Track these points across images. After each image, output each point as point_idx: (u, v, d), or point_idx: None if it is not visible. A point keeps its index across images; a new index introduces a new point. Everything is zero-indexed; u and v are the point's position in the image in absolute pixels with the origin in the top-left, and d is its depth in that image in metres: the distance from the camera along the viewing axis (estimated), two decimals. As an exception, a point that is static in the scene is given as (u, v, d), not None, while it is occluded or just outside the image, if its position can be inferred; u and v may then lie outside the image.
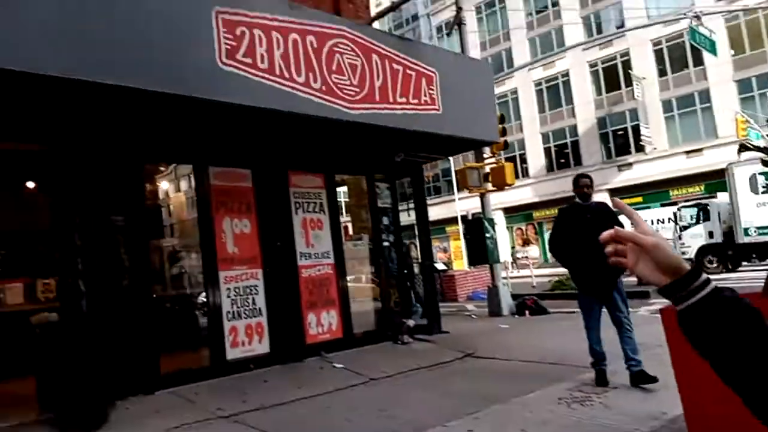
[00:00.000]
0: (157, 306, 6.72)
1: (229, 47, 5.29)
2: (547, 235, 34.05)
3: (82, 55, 4.44)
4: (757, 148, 3.99)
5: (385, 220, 8.92)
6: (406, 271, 9.39)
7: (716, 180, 25.13)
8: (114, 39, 4.62)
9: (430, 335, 8.58)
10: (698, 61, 27.48)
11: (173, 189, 8.39)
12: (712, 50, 18.51)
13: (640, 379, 4.87)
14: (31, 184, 7.38)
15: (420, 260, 9.84)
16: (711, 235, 18.23)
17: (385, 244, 8.82)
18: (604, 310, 5.23)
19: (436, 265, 21.30)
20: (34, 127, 5.43)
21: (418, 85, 7.56)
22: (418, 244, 9.94)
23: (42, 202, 6.17)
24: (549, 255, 32.95)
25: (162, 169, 7.88)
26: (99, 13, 4.57)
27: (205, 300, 6.79)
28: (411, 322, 8.37)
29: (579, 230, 5.09)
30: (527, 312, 11.13)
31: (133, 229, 6.02)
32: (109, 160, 5.91)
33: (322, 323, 7.70)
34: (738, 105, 26.12)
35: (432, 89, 7.75)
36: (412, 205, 9.76)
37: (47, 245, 6.43)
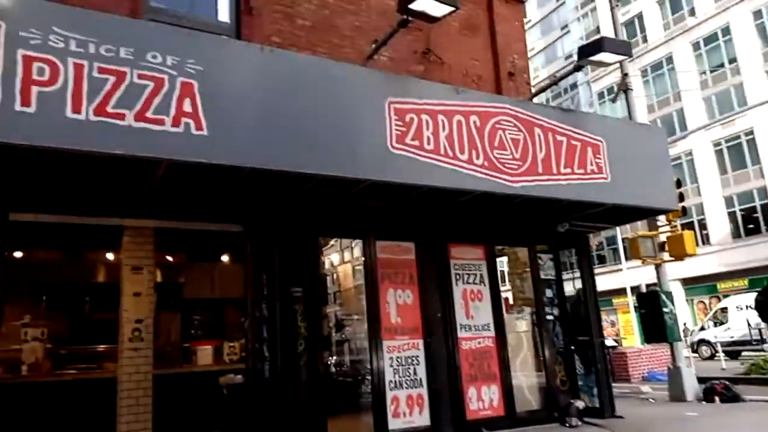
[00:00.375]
0: (326, 371, 7.09)
1: (399, 132, 5.71)
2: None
3: (284, 149, 5.13)
4: None
5: (549, 292, 8.59)
6: (573, 347, 8.86)
7: None
8: (307, 133, 5.27)
9: (602, 419, 7.92)
10: None
11: (339, 260, 8.96)
12: None
13: None
14: (225, 258, 8.41)
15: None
16: None
17: (549, 317, 8.47)
18: None
19: (605, 341, 19.88)
20: (236, 210, 6.30)
21: (584, 154, 7.38)
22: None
23: (234, 275, 6.98)
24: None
25: (332, 243, 8.49)
26: (296, 112, 5.27)
27: (369, 367, 7.01)
28: (580, 404, 7.80)
29: None
30: (717, 398, 9.81)
31: (308, 299, 6.52)
32: (291, 237, 6.57)
33: (483, 398, 7.50)
34: None
35: (599, 158, 7.51)
36: (577, 274, 9.30)
37: (236, 312, 7.20)
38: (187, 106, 4.67)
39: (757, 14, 30.34)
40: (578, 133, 7.36)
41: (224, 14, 7.04)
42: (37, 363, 6.64)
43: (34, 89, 4.14)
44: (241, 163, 4.96)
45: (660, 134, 10.03)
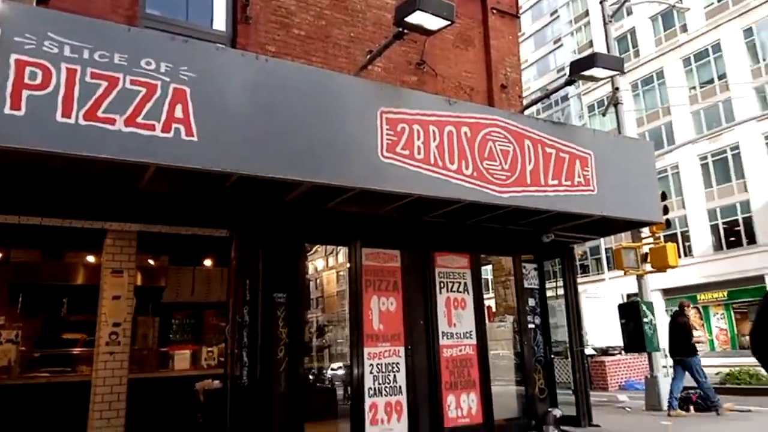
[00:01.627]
0: (305, 377, 7.09)
1: (389, 142, 5.73)
2: (714, 321, 30.56)
3: (274, 156, 5.16)
4: None
5: (531, 302, 8.67)
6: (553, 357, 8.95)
7: None
8: (298, 141, 5.29)
9: (579, 427, 8.02)
10: None
11: (324, 266, 8.97)
12: None
13: None
14: (208, 262, 8.37)
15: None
16: None
17: (531, 325, 8.55)
18: None
19: (584, 350, 20.07)
20: (222, 215, 6.31)
21: (572, 167, 7.47)
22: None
23: (215, 280, 6.96)
24: (717, 344, 29.46)
25: (317, 248, 8.50)
26: (288, 120, 5.30)
27: (348, 374, 7.02)
28: (558, 412, 7.89)
29: None
30: (692, 407, 9.99)
31: (291, 304, 6.52)
32: (277, 242, 6.57)
33: (462, 406, 7.56)
34: None
35: (587, 170, 7.61)
36: (560, 283, 9.40)
37: (216, 317, 7.17)
38: (178, 112, 4.67)
39: (748, 32, 30.75)
40: (567, 146, 7.44)
41: (220, 22, 7.05)
42: (9, 365, 6.57)
43: (25, 93, 4.13)
44: (230, 169, 4.97)
45: (648, 148, 10.14)
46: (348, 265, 7.20)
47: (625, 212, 8.01)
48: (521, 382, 8.32)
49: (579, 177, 7.56)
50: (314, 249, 8.58)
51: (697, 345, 10.06)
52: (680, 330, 10.04)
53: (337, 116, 5.59)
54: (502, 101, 8.84)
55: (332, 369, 9.38)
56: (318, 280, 9.06)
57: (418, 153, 5.92)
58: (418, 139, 5.94)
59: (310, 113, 5.42)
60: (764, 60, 29.99)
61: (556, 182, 7.31)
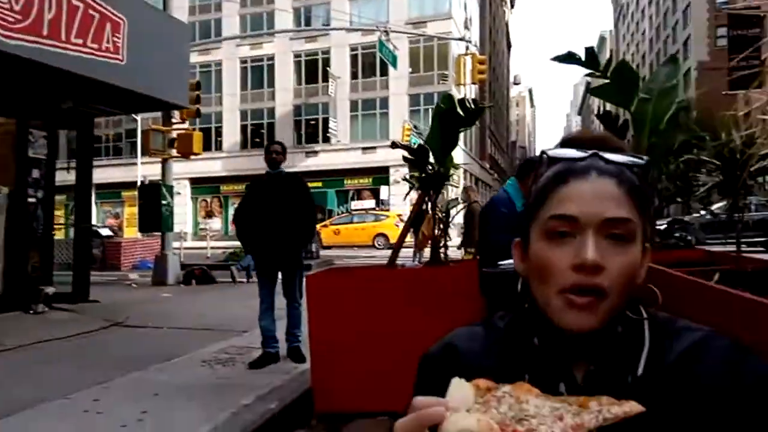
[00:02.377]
0: None
1: None
2: (232, 210, 34.36)
3: None
4: (403, 146, 4.68)
5: (36, 173, 7.72)
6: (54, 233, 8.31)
7: (382, 175, 29.53)
8: None
9: (74, 304, 7.80)
10: (384, 71, 31.16)
11: None
12: (393, 64, 21.41)
13: (294, 355, 4.88)
14: None
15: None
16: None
17: (32, 200, 7.64)
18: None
19: (99, 230, 19.52)
20: None
21: (101, 29, 6.89)
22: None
23: None
24: (231, 227, 33.34)
25: None
26: None
27: None
28: (50, 290, 7.42)
29: (266, 201, 4.94)
30: (194, 281, 11.08)
31: None
32: None
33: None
34: (407, 114, 30.58)
35: (117, 37, 7.14)
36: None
37: None
38: None
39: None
40: (100, 5, 6.80)
41: None
42: None
43: None
44: None
45: (185, 33, 10.18)
46: None
47: (154, 91, 7.94)
48: (14, 260, 7.46)
49: (108, 42, 7.06)
50: None
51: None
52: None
53: None
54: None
55: None
56: None
57: None
58: None
59: None
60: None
61: (80, 41, 6.65)
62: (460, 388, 0.57)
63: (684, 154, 4.01)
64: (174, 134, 11.82)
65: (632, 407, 0.53)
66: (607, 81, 3.38)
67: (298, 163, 31.57)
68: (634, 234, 0.73)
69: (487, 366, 0.80)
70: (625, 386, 0.72)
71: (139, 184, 27.53)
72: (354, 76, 32.94)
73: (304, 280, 4.15)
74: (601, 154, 0.75)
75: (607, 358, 0.75)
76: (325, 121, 32.35)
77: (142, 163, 28.27)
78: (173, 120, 11.90)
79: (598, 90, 4.37)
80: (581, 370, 0.76)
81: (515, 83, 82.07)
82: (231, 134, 34.73)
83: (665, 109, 4.16)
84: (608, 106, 4.72)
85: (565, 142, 0.83)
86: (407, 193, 4.78)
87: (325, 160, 32.16)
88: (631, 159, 0.76)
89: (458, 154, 26.39)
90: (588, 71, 3.61)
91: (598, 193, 0.72)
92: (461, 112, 4.17)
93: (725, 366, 0.71)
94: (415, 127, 24.61)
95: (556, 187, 0.75)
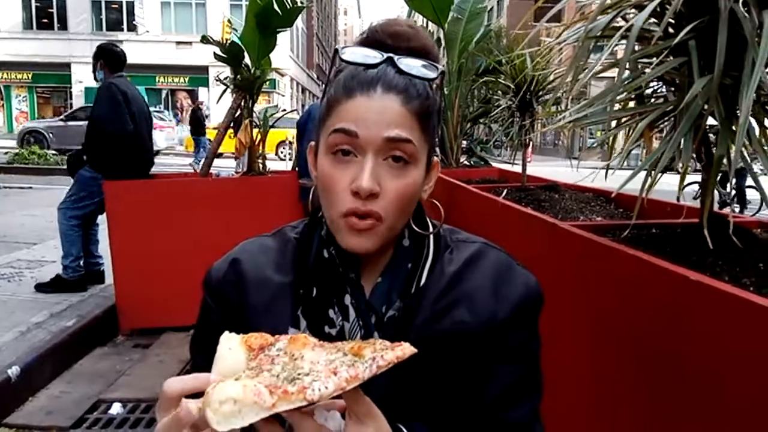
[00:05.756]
0: None
1: None
2: (16, 102, 29.55)
3: None
4: (215, 42, 4.29)
5: None
6: None
7: (201, 75, 27.27)
8: None
9: None
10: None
11: None
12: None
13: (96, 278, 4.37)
14: None
15: None
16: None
17: None
18: None
19: None
20: None
21: None
22: None
23: None
24: (15, 123, 28.85)
25: None
26: None
27: None
28: None
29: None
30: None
31: None
32: None
33: None
34: (228, 10, 28.23)
35: None
36: None
37: None
38: None
39: None
40: None
41: None
42: None
43: None
44: None
45: None
46: None
47: None
48: None
49: None
50: None
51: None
52: None
53: None
54: None
55: None
56: None
57: None
58: None
59: None
60: None
61: None
62: (230, 350, 0.56)
63: (488, 77, 4.31)
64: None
65: (404, 350, 0.54)
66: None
67: (98, 52, 27.92)
68: (416, 155, 0.73)
69: (275, 280, 0.82)
70: (409, 296, 0.77)
71: None
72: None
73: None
74: (395, 60, 0.74)
75: (393, 271, 0.79)
76: (131, 6, 28.44)
77: None
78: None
79: (417, 3, 4.43)
80: (370, 283, 0.79)
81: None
82: (10, 13, 29.08)
83: (474, 31, 4.37)
84: (430, 26, 4.84)
85: (368, 36, 0.79)
86: (220, 96, 4.49)
87: (131, 52, 28.42)
88: (424, 71, 0.75)
89: (284, 60, 25.39)
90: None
91: (380, 111, 0.71)
92: (278, 10, 3.94)
93: (494, 271, 0.80)
94: (237, 24, 22.87)
95: (341, 99, 0.73)
